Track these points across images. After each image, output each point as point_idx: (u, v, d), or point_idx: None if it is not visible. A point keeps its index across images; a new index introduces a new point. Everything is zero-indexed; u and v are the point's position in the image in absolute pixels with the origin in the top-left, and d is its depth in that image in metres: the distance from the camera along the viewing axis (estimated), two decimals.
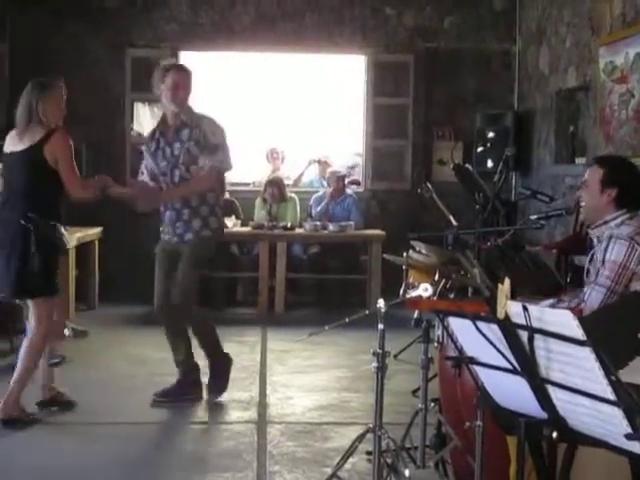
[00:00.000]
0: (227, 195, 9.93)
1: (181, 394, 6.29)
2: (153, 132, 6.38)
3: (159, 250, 6.39)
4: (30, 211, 5.58)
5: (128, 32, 10.61)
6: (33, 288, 5.68)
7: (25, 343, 5.82)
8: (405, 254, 4.77)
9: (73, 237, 8.40)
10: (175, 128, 6.16)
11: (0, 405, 5.74)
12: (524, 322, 2.44)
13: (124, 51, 10.58)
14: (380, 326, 4.02)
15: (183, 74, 6.19)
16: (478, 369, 2.79)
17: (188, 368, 6.37)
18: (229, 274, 10.11)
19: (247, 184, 11.19)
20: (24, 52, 10.23)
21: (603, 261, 3.96)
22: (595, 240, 4.16)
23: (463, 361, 2.79)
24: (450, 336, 2.92)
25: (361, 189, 11.02)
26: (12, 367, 6.00)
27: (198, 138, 6.06)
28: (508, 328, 2.50)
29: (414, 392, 6.08)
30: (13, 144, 5.76)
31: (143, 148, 6.43)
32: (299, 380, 7.00)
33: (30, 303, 5.84)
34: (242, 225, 10.17)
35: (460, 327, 2.74)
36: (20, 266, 5.59)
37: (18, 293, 5.89)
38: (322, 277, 10.22)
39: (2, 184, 6.03)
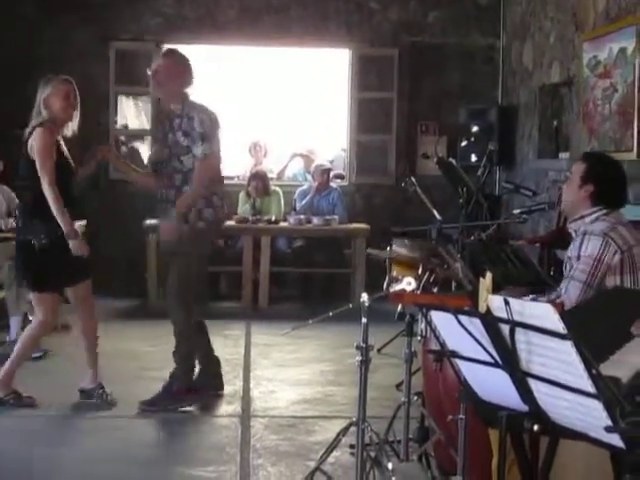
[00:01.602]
0: None
1: (203, 386, 6.26)
2: (161, 120, 6.30)
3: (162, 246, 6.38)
4: (19, 207, 5.77)
5: (112, 25, 10.60)
6: (28, 280, 5.93)
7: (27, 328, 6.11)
8: (389, 248, 4.78)
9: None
10: (169, 117, 6.10)
11: None
12: (505, 316, 2.45)
13: (108, 44, 10.57)
14: (364, 320, 4.03)
15: (166, 60, 6.08)
16: (460, 363, 2.80)
17: (207, 362, 6.34)
18: (214, 268, 10.05)
19: (230, 178, 11.17)
20: (8, 45, 10.19)
21: (578, 256, 4.01)
22: (573, 234, 4.20)
23: (445, 355, 2.80)
24: (433, 330, 2.93)
25: (345, 183, 11.03)
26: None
27: (186, 128, 5.95)
28: (489, 322, 2.52)
29: (397, 386, 6.10)
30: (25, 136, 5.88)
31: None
32: (283, 374, 7.02)
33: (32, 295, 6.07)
34: (226, 219, 10.11)
35: (442, 321, 2.75)
36: (16, 258, 5.96)
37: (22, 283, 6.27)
38: (306, 271, 10.24)
39: None
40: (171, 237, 5.94)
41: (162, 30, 10.70)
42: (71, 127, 5.97)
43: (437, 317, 2.77)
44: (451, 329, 2.67)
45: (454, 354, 2.73)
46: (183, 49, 9.98)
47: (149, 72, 6.08)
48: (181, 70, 6.02)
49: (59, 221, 5.67)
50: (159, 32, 10.69)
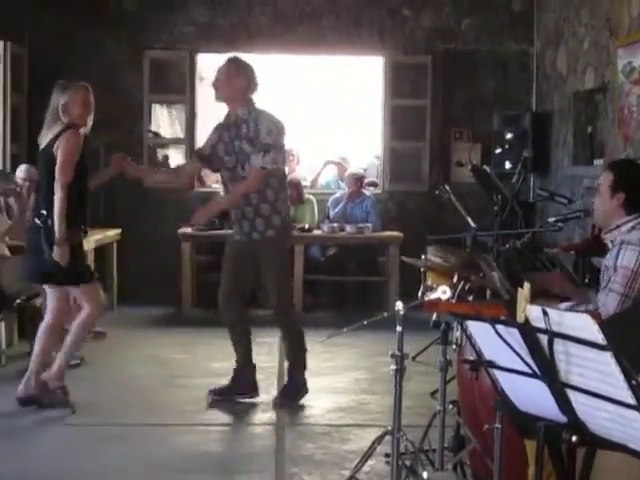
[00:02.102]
0: None
1: (236, 393, 6.34)
2: (219, 125, 6.33)
3: (228, 248, 6.43)
4: (43, 207, 5.75)
5: (146, 34, 10.63)
6: (47, 276, 6.02)
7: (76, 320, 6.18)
8: (423, 256, 4.77)
9: (91, 239, 8.45)
10: (236, 123, 6.14)
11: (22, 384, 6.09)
12: (544, 326, 2.43)
13: (142, 53, 10.60)
14: (398, 328, 4.02)
15: (227, 65, 6.16)
16: (497, 372, 2.78)
17: (244, 368, 6.40)
18: None
19: None
20: (43, 55, 10.26)
21: (615, 267, 3.96)
22: (609, 244, 4.16)
23: (482, 365, 2.78)
24: (469, 339, 2.91)
25: (379, 190, 11.00)
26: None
27: (252, 136, 6.01)
28: (528, 332, 2.50)
29: (432, 394, 6.07)
30: (40, 142, 5.93)
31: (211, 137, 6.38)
32: (318, 382, 7.00)
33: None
34: None
35: (479, 330, 2.73)
36: (35, 259, 5.96)
37: (34, 278, 6.35)
38: (340, 279, 10.23)
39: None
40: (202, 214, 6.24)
41: (195, 38, 10.72)
42: (83, 132, 6.04)
43: (473, 326, 2.75)
44: (488, 339, 2.65)
45: (491, 364, 2.71)
46: (216, 58, 10.09)
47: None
48: (242, 76, 6.11)
49: (56, 224, 5.72)
50: (192, 40, 10.71)
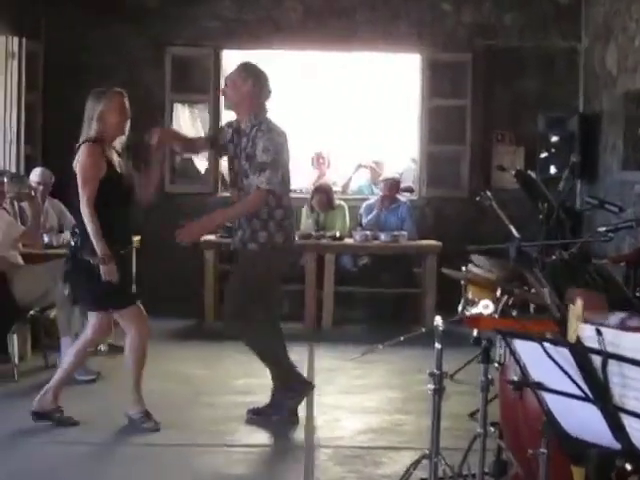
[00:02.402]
0: None
1: (273, 412, 6.32)
2: (230, 124, 6.37)
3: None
4: (76, 226, 5.88)
5: (168, 30, 10.69)
6: (112, 301, 6.04)
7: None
8: (464, 268, 4.74)
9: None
10: (238, 133, 6.22)
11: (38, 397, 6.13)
12: (597, 346, 2.40)
13: (164, 50, 10.64)
14: (437, 345, 3.99)
15: (235, 70, 6.20)
16: (544, 393, 2.75)
17: (279, 384, 6.41)
18: None
19: (293, 191, 11.18)
20: (59, 51, 10.36)
21: None
22: None
23: (528, 386, 2.75)
24: (513, 357, 2.87)
25: (415, 197, 11.00)
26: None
27: (250, 152, 6.06)
28: (580, 352, 2.47)
29: (472, 415, 6.04)
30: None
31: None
32: (348, 401, 6.99)
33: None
34: None
35: (525, 348, 2.70)
36: (73, 277, 6.09)
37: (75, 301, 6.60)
38: (373, 291, 10.20)
39: None
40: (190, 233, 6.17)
41: (220, 34, 10.76)
42: (119, 141, 6.05)
43: (519, 345, 2.72)
44: (535, 357, 2.62)
45: (539, 386, 2.68)
46: (242, 55, 10.13)
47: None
48: (248, 81, 6.09)
49: (94, 243, 5.74)
50: (217, 36, 10.75)
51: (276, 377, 6.36)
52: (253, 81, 6.11)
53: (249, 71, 6.16)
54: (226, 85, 6.20)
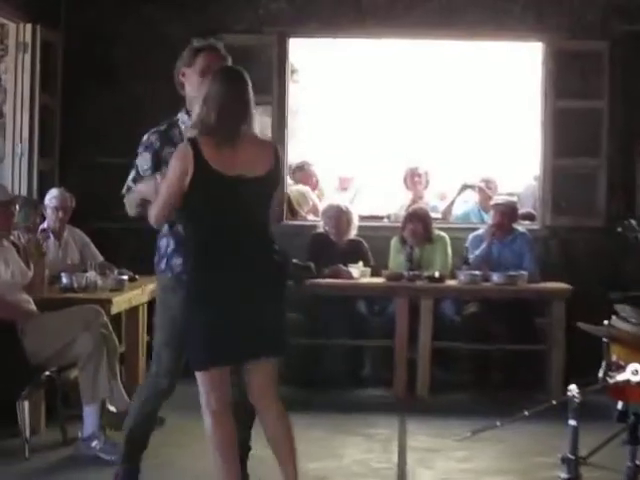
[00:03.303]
0: (352, 234, 10.08)
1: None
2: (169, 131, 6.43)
3: None
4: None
5: (219, 13, 10.79)
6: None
7: None
8: (606, 322, 4.71)
9: (146, 289, 8.65)
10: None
11: None
12: None
13: (213, 38, 10.69)
14: (572, 422, 3.98)
15: (220, 57, 6.32)
16: None
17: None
18: (353, 341, 10.17)
19: (379, 218, 11.22)
20: (82, 42, 10.52)
21: None
22: None
23: None
24: None
25: (537, 225, 10.95)
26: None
27: None
28: None
29: None
30: None
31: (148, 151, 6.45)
32: None
33: None
34: (372, 274, 10.19)
35: None
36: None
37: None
38: (483, 348, 10.13)
39: None
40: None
41: (286, 18, 10.83)
42: None
43: None
44: None
45: None
46: (313, 44, 10.16)
47: (187, 71, 6.31)
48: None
49: None
50: (282, 21, 10.83)
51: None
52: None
53: (226, 57, 6.45)
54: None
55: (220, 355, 5.43)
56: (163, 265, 6.08)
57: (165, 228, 6.06)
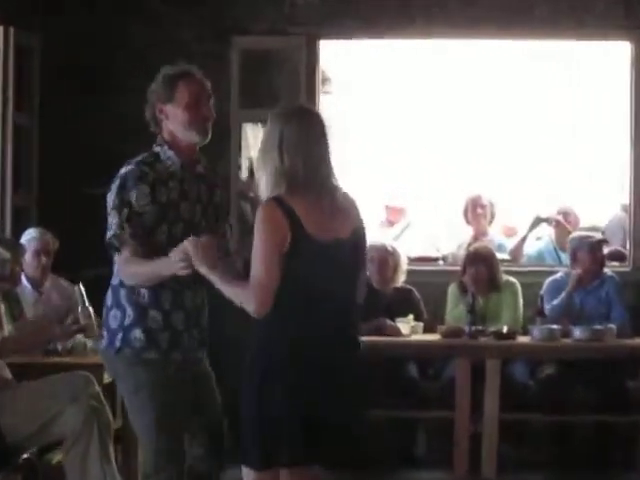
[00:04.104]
0: (400, 280, 9.98)
1: None
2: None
3: None
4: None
5: (237, 12, 10.81)
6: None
7: None
8: None
9: None
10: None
11: None
12: None
13: (229, 41, 10.72)
14: None
15: (202, 83, 6.26)
16: None
17: None
18: (403, 413, 10.09)
19: (433, 260, 11.15)
20: (66, 47, 10.50)
21: None
22: None
23: None
24: None
25: (628, 267, 10.89)
26: None
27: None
28: None
29: None
30: None
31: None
32: None
33: None
34: (425, 330, 10.13)
35: None
36: None
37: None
38: (562, 419, 10.10)
39: None
40: None
41: (316, 17, 10.83)
42: None
43: None
44: None
45: None
46: (347, 47, 10.11)
47: (165, 108, 6.24)
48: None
49: None
50: (311, 20, 10.83)
51: None
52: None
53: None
54: (199, 103, 6.24)
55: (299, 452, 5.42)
56: (118, 342, 6.01)
57: (121, 294, 6.03)
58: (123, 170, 6.00)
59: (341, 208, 5.48)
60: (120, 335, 5.98)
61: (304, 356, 5.42)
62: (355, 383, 5.56)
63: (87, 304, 6.95)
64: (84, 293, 6.93)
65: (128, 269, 5.94)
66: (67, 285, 8.80)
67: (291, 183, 5.31)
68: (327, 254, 5.36)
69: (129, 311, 5.97)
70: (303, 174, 5.31)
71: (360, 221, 5.58)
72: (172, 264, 5.67)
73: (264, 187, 5.44)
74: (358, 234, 5.56)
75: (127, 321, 5.97)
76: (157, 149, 6.10)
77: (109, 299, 6.07)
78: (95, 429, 7.30)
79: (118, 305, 6.01)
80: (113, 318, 6.01)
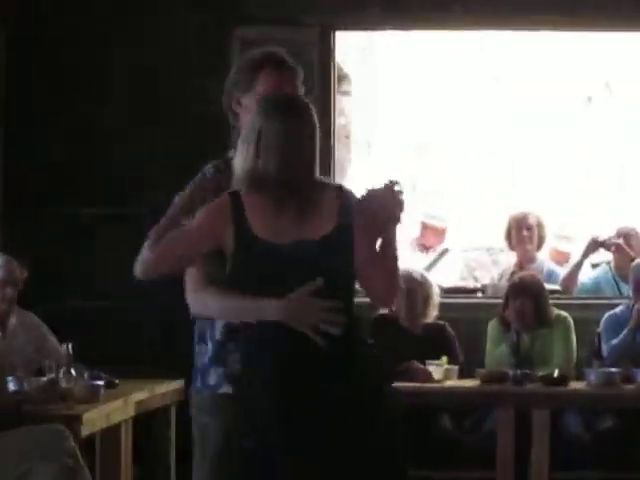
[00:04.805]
0: (432, 315, 9.96)
1: None
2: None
3: None
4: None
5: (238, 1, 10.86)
6: None
7: None
8: None
9: (130, 400, 8.59)
10: None
11: None
12: None
13: (231, 33, 10.75)
14: None
15: (290, 70, 6.16)
16: None
17: None
18: (437, 473, 10.05)
19: (470, 291, 11.14)
20: (39, 39, 10.53)
21: None
22: None
23: None
24: None
25: None
26: None
27: None
28: None
29: None
30: None
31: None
32: None
33: None
34: (461, 375, 10.14)
35: None
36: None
37: None
38: (623, 477, 10.06)
39: None
40: None
41: (331, 6, 10.88)
42: None
43: None
44: None
45: None
46: (366, 39, 10.16)
47: (245, 101, 6.25)
48: None
49: None
50: (325, 10, 10.88)
51: None
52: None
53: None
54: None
55: None
56: (199, 382, 6.00)
57: (207, 329, 5.98)
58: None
59: (316, 208, 5.56)
60: (199, 376, 6.02)
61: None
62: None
63: (72, 369, 6.96)
64: (71, 353, 6.94)
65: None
66: (36, 320, 8.80)
67: (257, 182, 5.44)
68: (279, 256, 5.45)
69: (209, 348, 5.98)
70: (275, 176, 5.41)
71: (346, 218, 5.60)
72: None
73: (235, 173, 5.59)
74: (340, 232, 5.59)
75: (207, 359, 6.00)
76: (231, 153, 6.03)
77: (197, 328, 6.08)
78: None
79: (203, 340, 6.00)
80: (198, 354, 6.03)
